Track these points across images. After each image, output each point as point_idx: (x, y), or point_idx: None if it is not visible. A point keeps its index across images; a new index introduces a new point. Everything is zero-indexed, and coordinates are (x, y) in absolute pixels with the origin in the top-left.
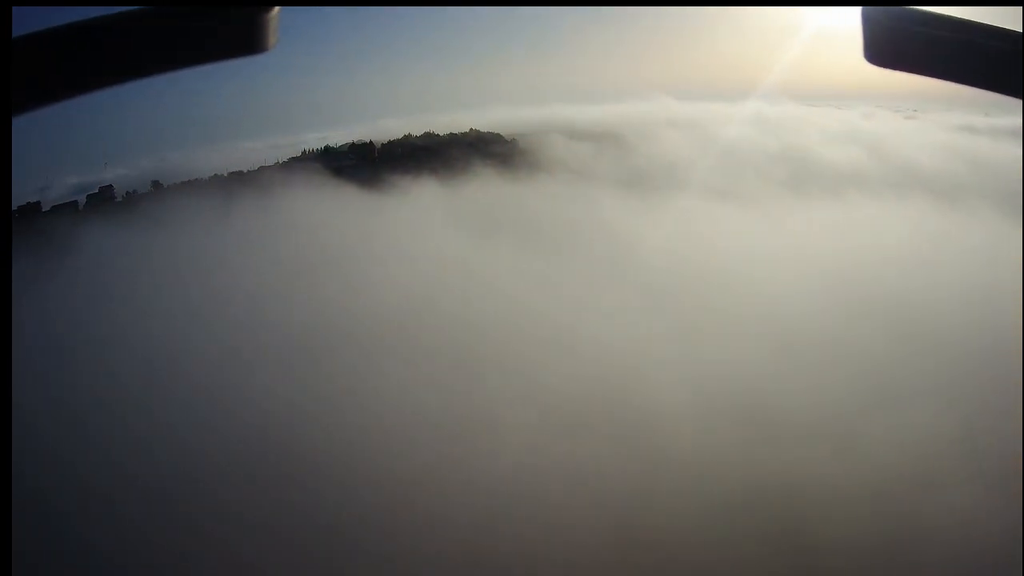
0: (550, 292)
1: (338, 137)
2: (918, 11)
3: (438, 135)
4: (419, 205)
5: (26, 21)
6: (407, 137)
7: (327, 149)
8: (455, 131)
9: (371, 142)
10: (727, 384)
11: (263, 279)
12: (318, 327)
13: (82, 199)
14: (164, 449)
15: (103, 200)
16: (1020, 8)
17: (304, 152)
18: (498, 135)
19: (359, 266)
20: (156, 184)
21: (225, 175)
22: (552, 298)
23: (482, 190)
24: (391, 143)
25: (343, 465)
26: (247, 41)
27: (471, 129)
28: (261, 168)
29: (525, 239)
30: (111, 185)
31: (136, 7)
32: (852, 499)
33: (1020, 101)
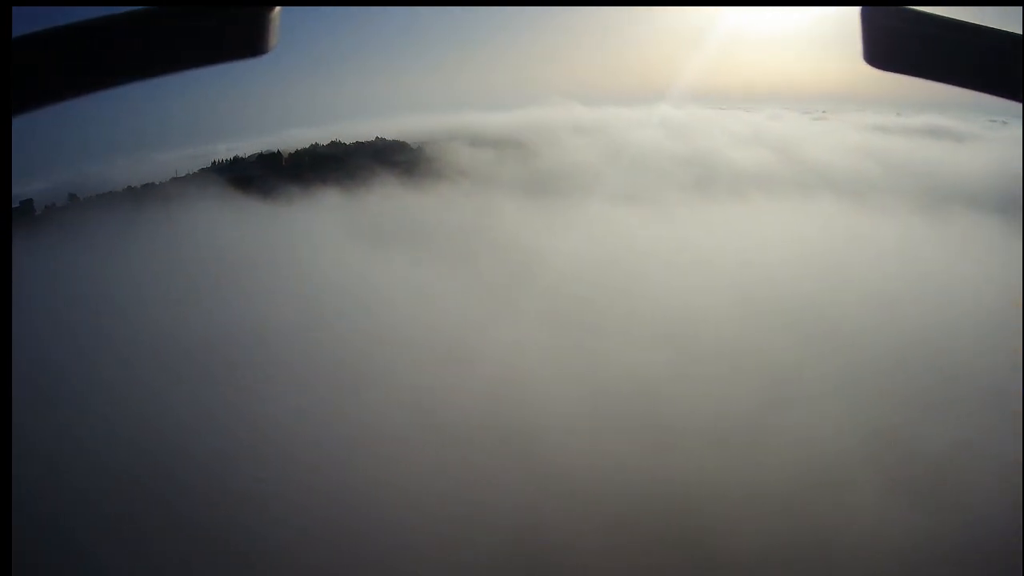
0: (449, 301)
1: (247, 147)
2: (918, 12)
3: (344, 144)
4: (321, 215)
5: (26, 21)
6: (314, 146)
7: (236, 160)
8: (361, 139)
9: (279, 152)
10: (629, 391)
11: (169, 292)
12: (217, 339)
13: None
14: (69, 459)
15: (24, 214)
16: (1020, 8)
17: (214, 163)
18: (403, 143)
19: (260, 278)
20: (73, 197)
21: (138, 187)
22: (451, 307)
23: (385, 199)
24: (298, 152)
25: (234, 474)
26: (248, 42)
27: (377, 137)
28: (173, 179)
29: (425, 248)
30: (31, 199)
31: (136, 7)
32: (754, 503)
33: (1019, 103)
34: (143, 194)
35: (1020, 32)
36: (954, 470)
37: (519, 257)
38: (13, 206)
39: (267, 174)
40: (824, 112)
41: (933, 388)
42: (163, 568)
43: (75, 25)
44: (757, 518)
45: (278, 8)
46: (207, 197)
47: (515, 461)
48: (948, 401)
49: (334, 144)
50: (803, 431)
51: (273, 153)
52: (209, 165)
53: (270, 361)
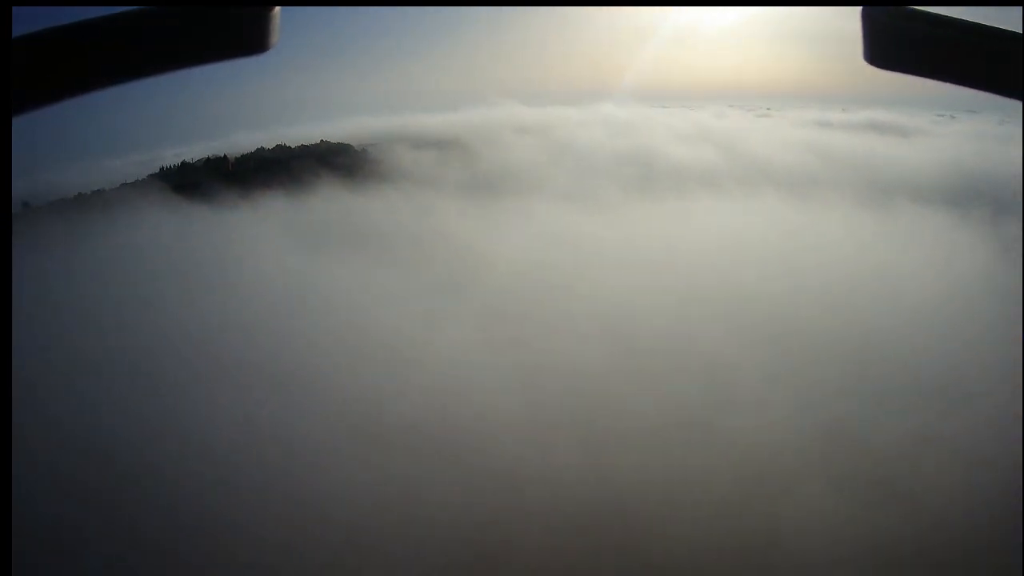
0: (392, 303)
1: (194, 152)
2: (919, 11)
3: (290, 147)
4: (265, 220)
5: (26, 21)
6: (260, 150)
7: (183, 165)
8: (306, 142)
9: (225, 156)
10: (574, 390)
11: (121, 299)
12: (166, 345)
13: None
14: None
15: None
16: (1020, 8)
17: (162, 168)
18: (348, 146)
19: (206, 284)
20: (27, 206)
21: (88, 194)
22: (394, 309)
23: (328, 202)
24: (244, 157)
25: (175, 479)
26: (248, 41)
27: (322, 140)
28: (122, 185)
29: (368, 251)
30: None
31: (136, 7)
32: (703, 505)
33: (1020, 102)
34: (93, 201)
35: (1020, 31)
36: (907, 463)
37: (462, 258)
38: None
39: (213, 179)
40: (769, 109)
41: (882, 381)
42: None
43: (75, 25)
44: (707, 519)
45: (278, 8)
46: (155, 203)
47: (459, 462)
48: (898, 394)
49: (280, 148)
50: (750, 428)
51: (220, 158)
52: (157, 171)
53: (215, 366)
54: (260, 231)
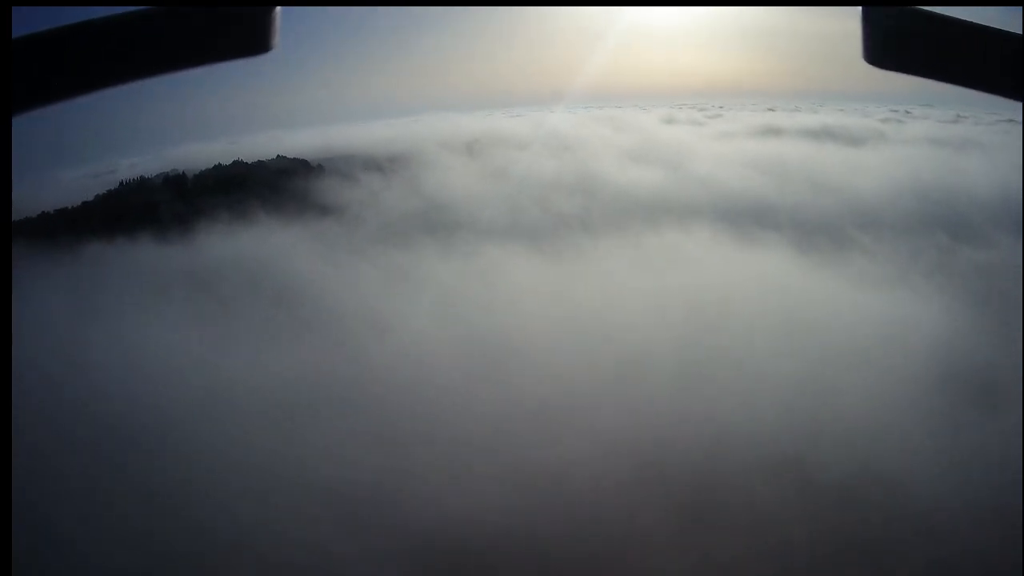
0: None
1: (149, 164)
2: (919, 11)
3: (246, 163)
4: (207, 255)
5: (26, 21)
6: (217, 167)
7: (142, 181)
8: (262, 157)
9: (184, 174)
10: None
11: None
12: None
13: None
14: None
15: None
16: (1020, 8)
17: (121, 184)
18: (304, 161)
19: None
20: None
21: (52, 212)
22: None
23: (257, 241)
24: (202, 174)
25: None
26: (248, 42)
27: (278, 155)
28: (83, 203)
29: (268, 312)
30: None
31: (136, 7)
32: None
33: (1020, 103)
34: (57, 220)
35: (1020, 32)
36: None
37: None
38: None
39: (172, 199)
40: (721, 108)
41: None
42: None
43: (75, 25)
44: None
45: (278, 8)
46: (115, 228)
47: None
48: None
49: (236, 164)
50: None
51: (179, 175)
52: (117, 185)
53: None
54: (177, 276)
